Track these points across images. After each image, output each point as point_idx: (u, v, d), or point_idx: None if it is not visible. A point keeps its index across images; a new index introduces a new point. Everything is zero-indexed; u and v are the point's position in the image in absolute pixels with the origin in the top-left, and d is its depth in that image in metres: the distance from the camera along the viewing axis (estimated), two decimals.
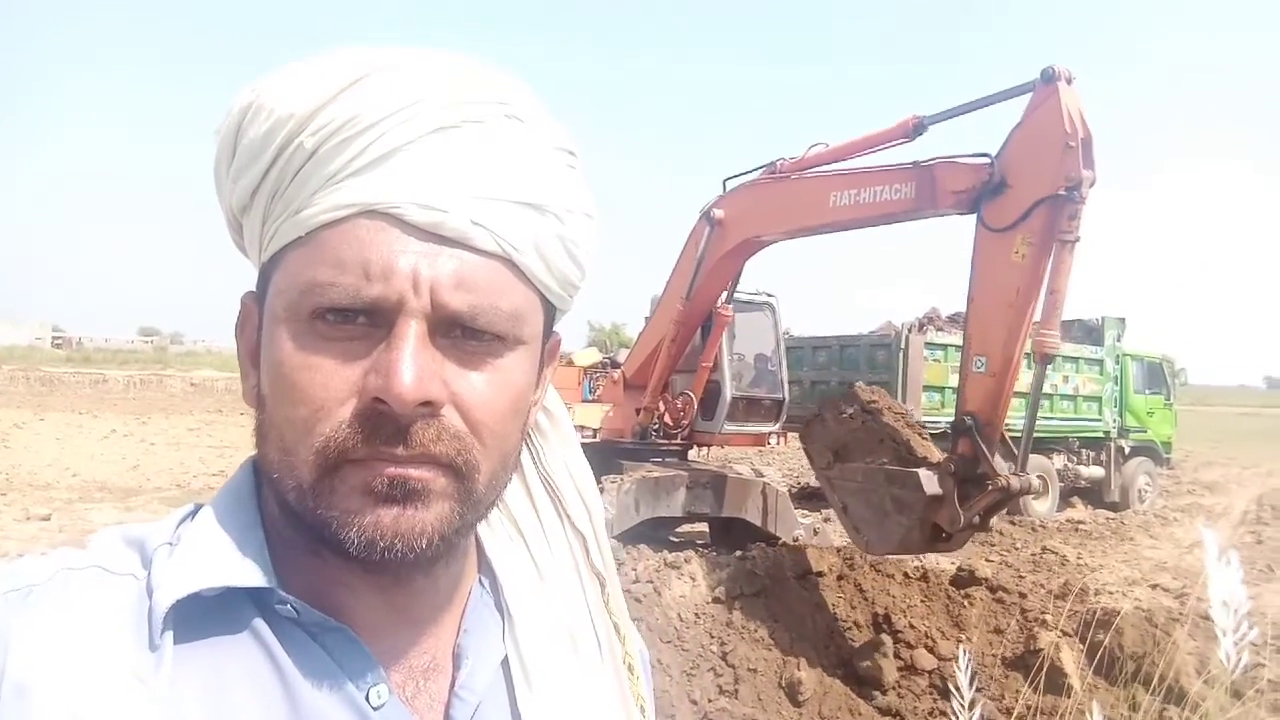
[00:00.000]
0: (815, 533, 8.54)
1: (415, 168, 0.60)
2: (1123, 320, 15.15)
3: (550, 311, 0.71)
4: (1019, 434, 5.88)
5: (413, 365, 0.58)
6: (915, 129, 6.60)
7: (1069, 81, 5.56)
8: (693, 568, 6.67)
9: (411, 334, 0.59)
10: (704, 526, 9.39)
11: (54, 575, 0.60)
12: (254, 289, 0.68)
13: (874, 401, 6.88)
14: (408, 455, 0.59)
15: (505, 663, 0.73)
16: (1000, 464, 5.54)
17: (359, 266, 0.59)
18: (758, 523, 8.27)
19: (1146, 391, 15.75)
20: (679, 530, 9.37)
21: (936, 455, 6.18)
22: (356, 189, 0.60)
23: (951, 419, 6.33)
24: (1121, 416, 15.16)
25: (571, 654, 0.78)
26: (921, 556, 8.42)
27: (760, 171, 7.89)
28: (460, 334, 0.62)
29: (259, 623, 0.62)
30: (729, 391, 9.36)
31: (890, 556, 6.74)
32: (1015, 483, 5.43)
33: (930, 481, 5.69)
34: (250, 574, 0.62)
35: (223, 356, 66.11)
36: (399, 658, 0.68)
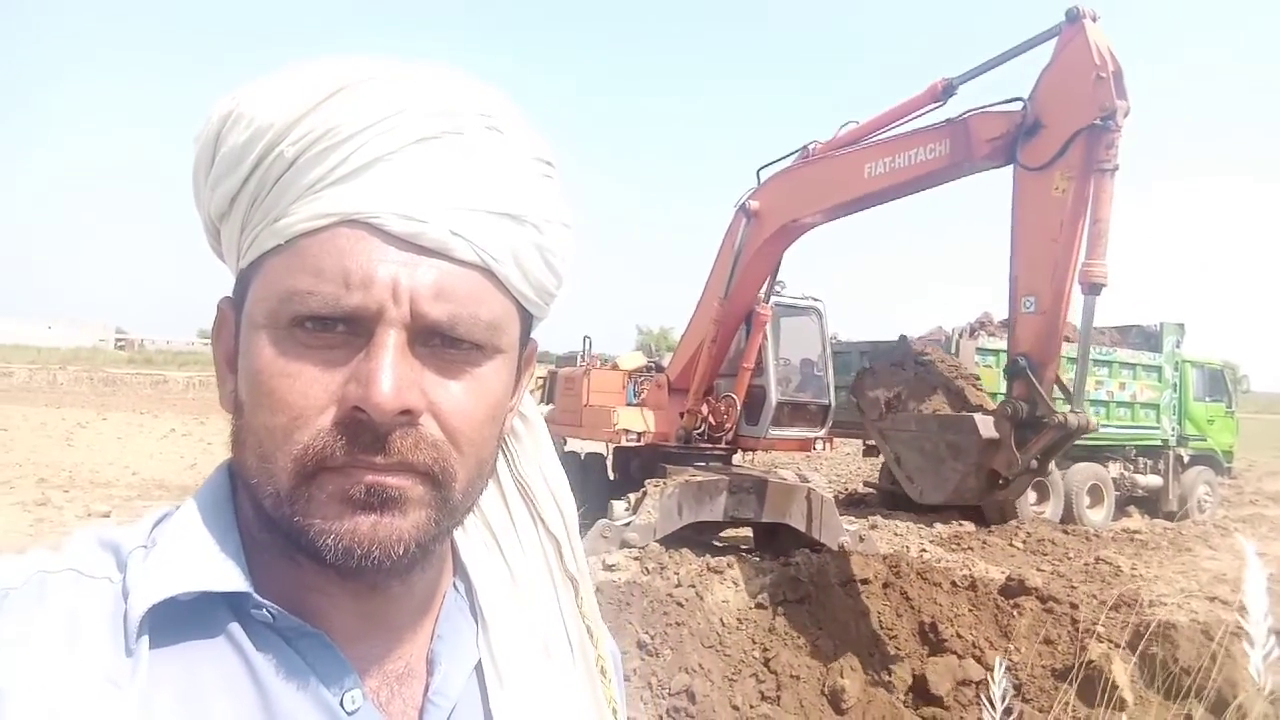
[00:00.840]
0: (861, 539, 8.43)
1: (395, 178, 0.61)
2: (1182, 326, 14.80)
3: (527, 319, 0.72)
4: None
5: (392, 374, 0.58)
6: (945, 91, 6.58)
7: (1094, 19, 5.64)
8: (735, 573, 6.64)
9: (391, 343, 0.59)
10: (748, 531, 9.34)
11: (29, 578, 0.60)
12: (230, 295, 0.69)
13: (925, 353, 7.06)
14: (386, 463, 0.60)
15: (479, 667, 0.73)
16: (1058, 405, 5.45)
17: (339, 275, 0.59)
18: (802, 528, 8.19)
19: (1207, 399, 15.35)
20: (722, 535, 9.33)
21: (991, 403, 6.13)
22: (336, 198, 0.60)
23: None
24: (1180, 424, 14.80)
25: (544, 658, 0.78)
26: (970, 565, 8.29)
27: (794, 158, 7.91)
28: (439, 343, 0.62)
29: (234, 627, 0.62)
30: (774, 395, 9.29)
31: (942, 504, 6.82)
32: (1073, 419, 5.31)
33: (986, 425, 5.62)
34: (226, 578, 0.62)
35: None
36: (373, 663, 0.68)
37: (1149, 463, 14.61)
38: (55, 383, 37.34)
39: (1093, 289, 5.49)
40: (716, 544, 9.02)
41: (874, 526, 11.46)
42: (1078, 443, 13.20)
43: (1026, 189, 5.90)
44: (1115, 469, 14.13)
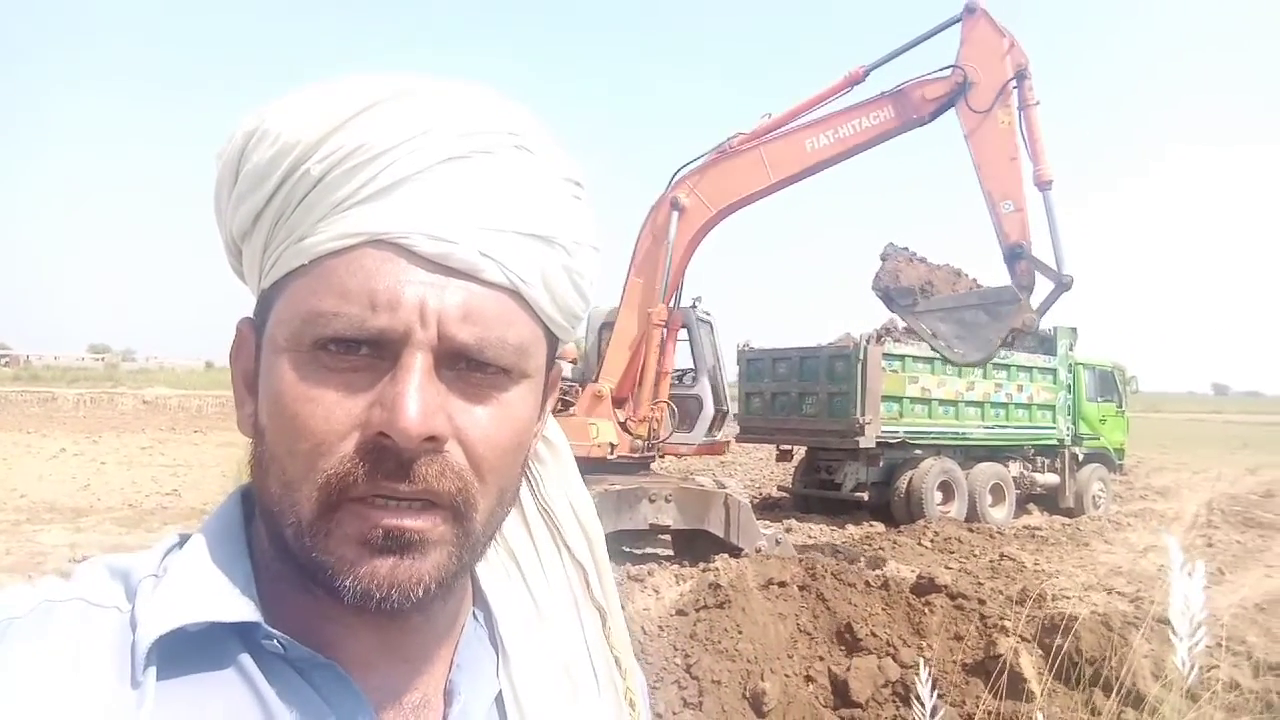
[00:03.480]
0: (778, 543, 8.55)
1: (424, 197, 0.59)
2: (1074, 330, 15.45)
3: (553, 342, 0.70)
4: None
5: (418, 399, 0.57)
6: (863, 76, 8.54)
7: (985, 9, 8.24)
8: (656, 580, 6.66)
9: (417, 366, 0.58)
10: (667, 539, 9.38)
11: (35, 607, 0.58)
12: (251, 315, 0.67)
13: (916, 254, 9.30)
14: (410, 491, 0.58)
15: (499, 699, 0.72)
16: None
17: (365, 296, 0.58)
18: (721, 534, 8.27)
19: (1099, 399, 16.06)
20: (642, 543, 9.35)
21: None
22: (363, 218, 0.59)
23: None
24: (1075, 424, 15.44)
25: (568, 689, 0.76)
26: (881, 565, 8.52)
27: (712, 153, 8.74)
28: (465, 366, 0.61)
29: (245, 659, 0.60)
30: (710, 403, 9.40)
31: (980, 360, 9.63)
32: (1068, 279, 7.99)
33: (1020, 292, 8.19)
34: (236, 609, 0.60)
35: (176, 374, 64.99)
36: (389, 695, 0.66)
37: (1046, 461, 15.21)
38: None
39: (1047, 185, 8.09)
40: (636, 553, 9.04)
41: (789, 529, 11.64)
42: (979, 444, 13.75)
43: (978, 126, 8.33)
44: (1015, 468, 14.67)
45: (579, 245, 0.67)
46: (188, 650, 0.58)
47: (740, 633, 6.12)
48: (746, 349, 15.07)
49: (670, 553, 9.13)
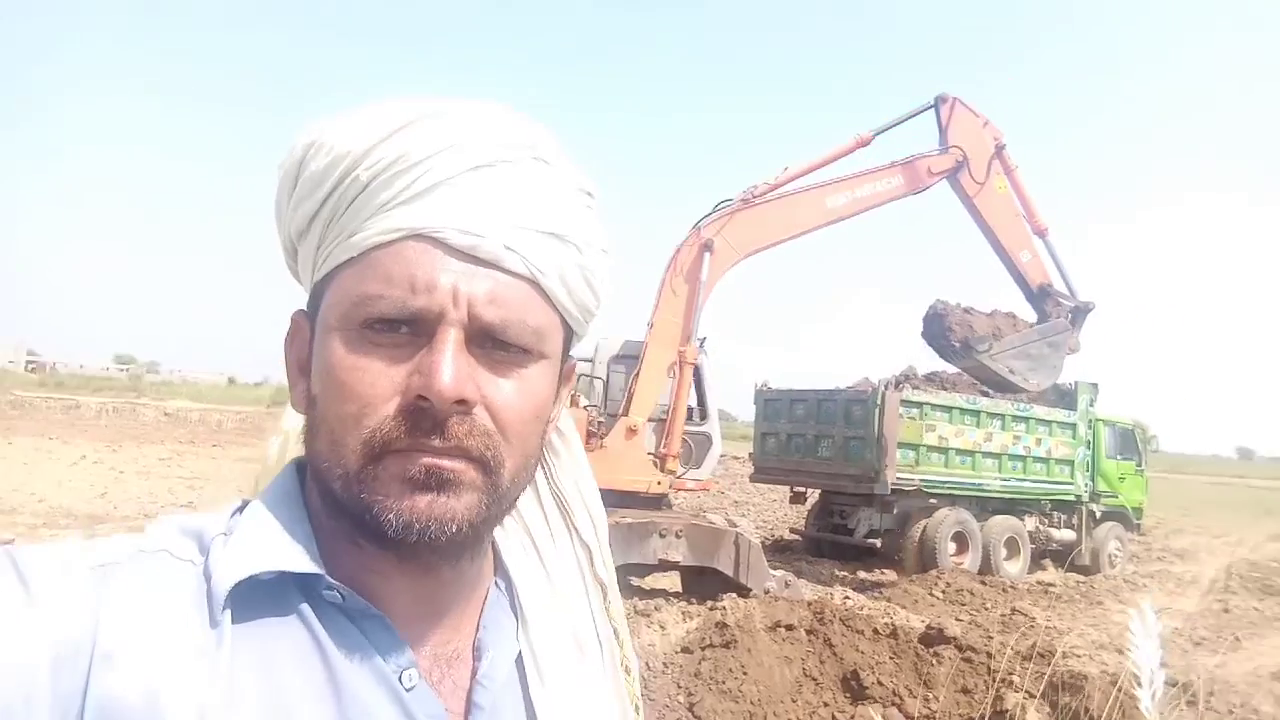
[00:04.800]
0: (787, 585, 8.52)
1: (456, 198, 0.69)
2: (1096, 385, 15.31)
3: (568, 334, 0.79)
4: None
5: (452, 367, 0.66)
6: (870, 141, 10.11)
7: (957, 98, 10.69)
8: (662, 616, 6.65)
9: (451, 340, 0.67)
10: (676, 575, 9.35)
11: (132, 555, 0.66)
12: (304, 308, 0.77)
13: (959, 306, 11.94)
14: (444, 446, 0.67)
15: (519, 661, 0.80)
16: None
17: (406, 281, 0.67)
18: (729, 573, 8.25)
19: (1118, 457, 15.85)
20: (650, 578, 9.32)
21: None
22: (405, 215, 0.68)
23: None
24: (1093, 481, 15.23)
25: (577, 655, 0.85)
26: (892, 613, 8.44)
27: (737, 202, 9.49)
28: (491, 344, 0.69)
29: (305, 607, 0.69)
30: (719, 439, 9.48)
31: (1044, 389, 12.83)
32: (1089, 303, 11.56)
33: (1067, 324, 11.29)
34: (303, 561, 0.69)
35: (198, 388, 65.46)
36: (426, 645, 0.75)
37: (1063, 517, 15.02)
38: None
39: (1044, 233, 11.27)
40: (644, 587, 9.01)
41: (799, 573, 11.57)
42: (996, 496, 13.68)
43: (981, 195, 10.66)
44: (1031, 523, 14.49)
45: (590, 245, 0.76)
46: (257, 598, 0.67)
47: (745, 674, 6.08)
48: (765, 389, 15.04)
49: (678, 589, 9.10)
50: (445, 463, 0.67)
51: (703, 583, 8.50)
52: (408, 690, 0.69)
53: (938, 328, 12.21)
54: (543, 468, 0.91)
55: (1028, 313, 12.16)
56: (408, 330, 0.68)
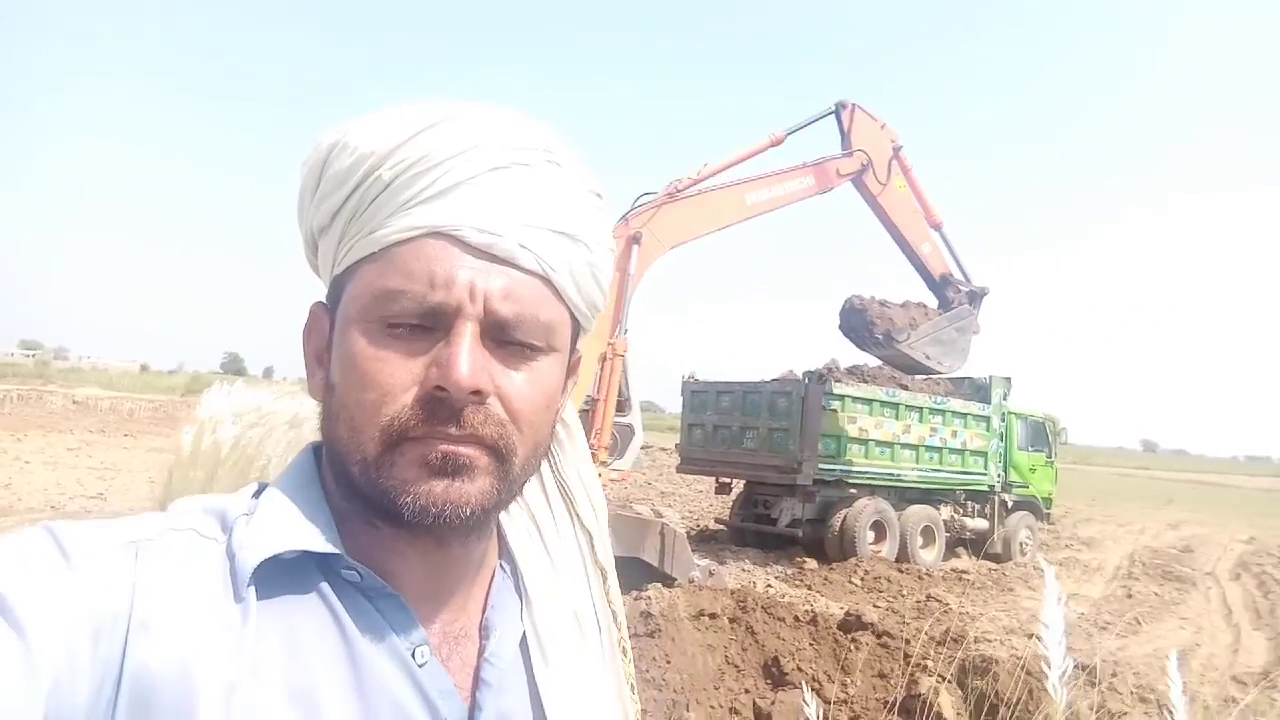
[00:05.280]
0: (711, 574, 8.64)
1: (474, 198, 0.72)
2: (1009, 379, 15.77)
3: (576, 329, 0.82)
4: None
5: (469, 359, 0.69)
6: (783, 140, 10.56)
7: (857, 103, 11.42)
8: None
9: (467, 333, 0.70)
10: None
11: (163, 533, 0.69)
12: (323, 300, 0.80)
13: (875, 299, 12.95)
14: (460, 434, 0.70)
15: (523, 641, 0.83)
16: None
17: (425, 277, 0.70)
18: (655, 563, 8.32)
19: (1030, 449, 16.34)
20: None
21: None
22: (425, 214, 0.72)
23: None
24: (1005, 472, 15.69)
25: (579, 636, 0.89)
26: (812, 601, 8.62)
27: (662, 195, 9.74)
28: (504, 338, 0.73)
29: (324, 586, 0.72)
30: (640, 430, 9.51)
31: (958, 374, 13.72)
32: (984, 288, 12.77)
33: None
34: (323, 541, 0.72)
35: (109, 375, 63.05)
36: (436, 623, 0.78)
37: (977, 507, 15.45)
38: None
39: (939, 226, 12.27)
40: None
41: (724, 562, 11.72)
42: (913, 486, 14.06)
43: (885, 195, 11.55)
44: (946, 512, 14.88)
45: (599, 245, 0.80)
46: (279, 576, 0.70)
47: (669, 662, 6.16)
48: (691, 380, 15.18)
49: None
50: (461, 449, 0.70)
51: (628, 573, 8.56)
52: (420, 666, 0.73)
53: (858, 321, 12.74)
54: (549, 458, 0.94)
55: (930, 300, 13.17)
56: (426, 323, 0.70)
